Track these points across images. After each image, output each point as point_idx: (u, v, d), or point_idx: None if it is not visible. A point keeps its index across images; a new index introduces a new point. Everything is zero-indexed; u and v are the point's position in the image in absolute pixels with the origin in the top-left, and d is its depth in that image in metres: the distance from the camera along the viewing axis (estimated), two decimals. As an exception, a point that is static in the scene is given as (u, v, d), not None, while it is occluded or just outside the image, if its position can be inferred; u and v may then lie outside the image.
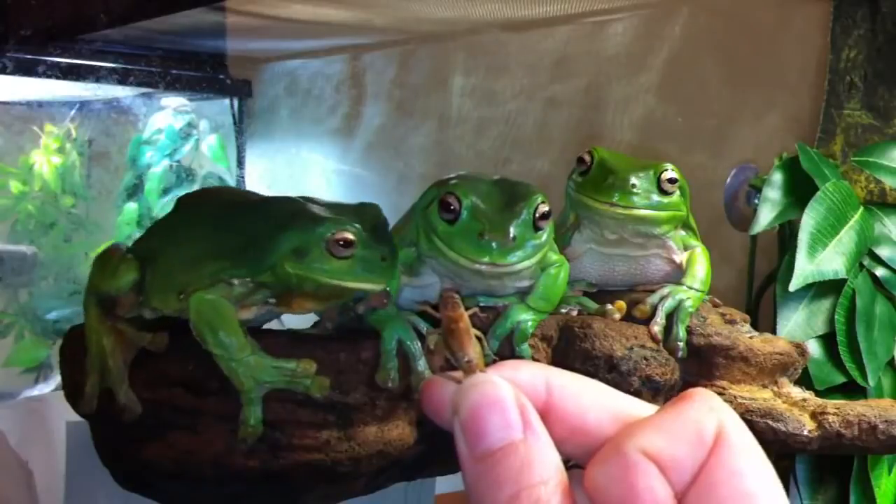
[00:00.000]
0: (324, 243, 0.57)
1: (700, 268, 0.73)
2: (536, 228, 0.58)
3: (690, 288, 0.71)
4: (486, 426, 0.33)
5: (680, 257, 0.74)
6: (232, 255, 0.60)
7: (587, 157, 0.71)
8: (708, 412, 0.33)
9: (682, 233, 0.74)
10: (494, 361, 0.39)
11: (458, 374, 0.37)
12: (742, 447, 0.32)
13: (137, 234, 2.32)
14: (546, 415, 0.34)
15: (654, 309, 0.69)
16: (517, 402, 0.34)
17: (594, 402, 0.35)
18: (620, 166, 0.69)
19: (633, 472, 0.31)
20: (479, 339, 0.46)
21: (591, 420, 0.35)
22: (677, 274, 0.73)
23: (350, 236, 0.58)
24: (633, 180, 0.68)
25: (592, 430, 0.35)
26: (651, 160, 0.71)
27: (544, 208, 0.59)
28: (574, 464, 0.34)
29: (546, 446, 0.33)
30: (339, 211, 0.61)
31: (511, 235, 0.57)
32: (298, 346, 0.61)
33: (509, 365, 0.36)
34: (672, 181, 0.69)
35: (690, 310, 0.70)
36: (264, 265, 0.59)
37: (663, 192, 0.69)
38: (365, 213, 0.61)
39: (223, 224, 0.64)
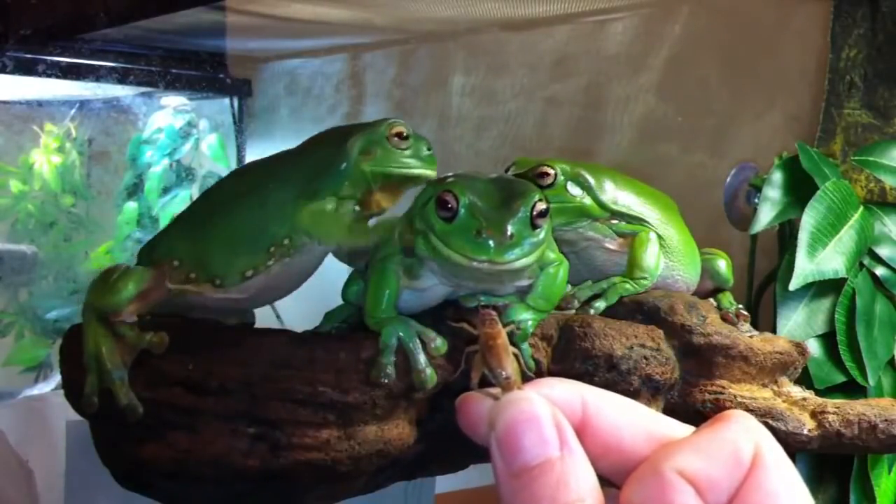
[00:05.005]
0: (386, 139, 0.66)
1: (643, 255, 0.72)
2: (534, 226, 0.58)
3: (631, 279, 0.71)
4: (522, 442, 0.33)
5: (615, 244, 0.74)
6: (309, 188, 0.65)
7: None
8: (744, 433, 0.33)
9: (608, 222, 0.74)
10: (530, 378, 0.39)
11: (495, 390, 0.38)
12: (778, 469, 0.32)
13: (137, 234, 2.31)
14: (581, 432, 0.34)
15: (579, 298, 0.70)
16: (554, 420, 0.33)
17: (630, 420, 0.35)
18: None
19: (670, 493, 0.31)
20: (515, 355, 0.46)
21: (627, 439, 0.35)
22: (624, 258, 0.74)
23: (404, 129, 0.67)
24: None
25: (627, 449, 0.35)
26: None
27: (542, 206, 0.58)
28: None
29: (583, 464, 0.33)
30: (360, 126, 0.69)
31: (509, 233, 0.56)
32: (299, 345, 0.61)
33: (546, 382, 0.36)
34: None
35: (622, 292, 0.70)
36: (343, 175, 0.66)
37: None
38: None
39: (280, 175, 0.68)
